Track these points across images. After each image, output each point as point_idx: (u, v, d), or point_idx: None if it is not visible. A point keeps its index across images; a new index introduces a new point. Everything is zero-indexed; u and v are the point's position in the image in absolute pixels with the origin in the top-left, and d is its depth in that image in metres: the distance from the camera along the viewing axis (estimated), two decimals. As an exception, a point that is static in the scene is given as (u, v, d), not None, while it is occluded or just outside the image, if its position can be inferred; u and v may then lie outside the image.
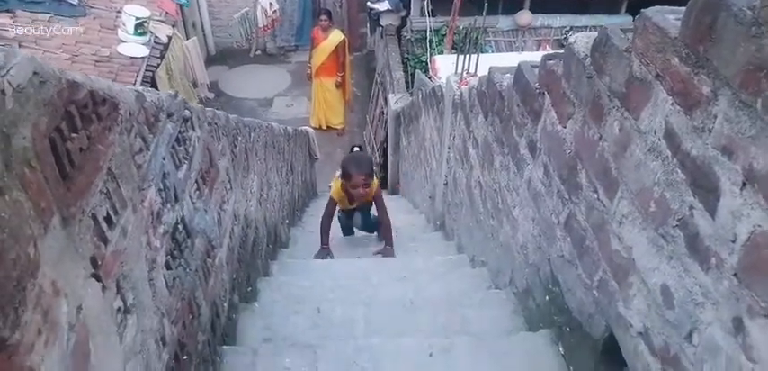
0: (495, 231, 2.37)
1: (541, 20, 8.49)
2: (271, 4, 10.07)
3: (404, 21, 8.59)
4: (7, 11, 5.94)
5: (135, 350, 1.00)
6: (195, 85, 8.47)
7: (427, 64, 7.33)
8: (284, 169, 4.19)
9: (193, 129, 1.50)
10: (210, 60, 10.36)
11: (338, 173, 3.52)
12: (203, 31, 10.38)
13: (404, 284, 2.56)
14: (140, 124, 1.07)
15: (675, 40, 0.99)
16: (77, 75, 0.81)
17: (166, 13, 7.04)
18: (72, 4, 6.36)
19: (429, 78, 6.22)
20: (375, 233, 3.87)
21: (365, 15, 10.01)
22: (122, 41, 6.23)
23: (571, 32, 6.27)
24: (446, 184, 3.63)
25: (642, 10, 1.11)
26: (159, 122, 1.20)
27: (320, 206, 3.93)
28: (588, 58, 1.38)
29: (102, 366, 0.85)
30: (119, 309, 0.94)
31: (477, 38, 4.83)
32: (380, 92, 8.11)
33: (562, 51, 1.58)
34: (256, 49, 10.88)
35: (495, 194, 2.37)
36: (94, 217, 0.85)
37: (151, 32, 6.45)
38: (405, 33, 8.44)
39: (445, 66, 5.78)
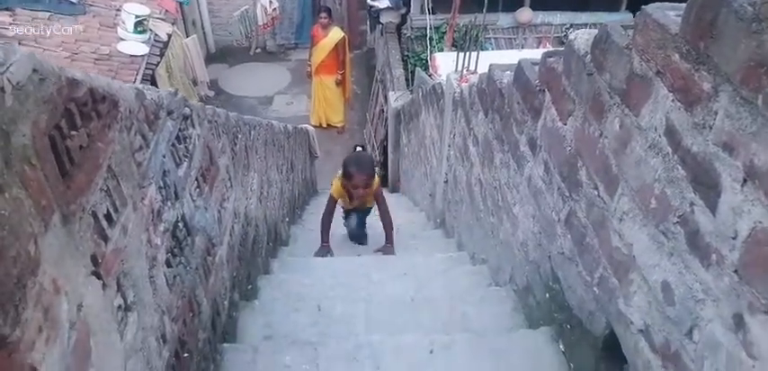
0: (496, 229, 2.37)
1: (542, 17, 8.47)
2: (270, 1, 10.06)
3: (404, 18, 8.57)
4: (7, 9, 5.94)
5: (135, 348, 1.00)
6: (195, 83, 8.47)
7: (427, 61, 7.31)
8: (284, 167, 4.19)
9: (193, 127, 1.50)
10: (210, 58, 10.35)
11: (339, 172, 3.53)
12: (203, 28, 10.37)
13: (404, 281, 2.56)
14: (140, 122, 1.07)
15: (676, 36, 0.99)
16: (77, 72, 0.81)
17: (166, 10, 7.03)
18: (72, 3, 6.35)
19: (429, 76, 6.21)
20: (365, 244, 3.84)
21: (365, 13, 10.00)
22: (122, 39, 6.23)
23: (571, 30, 6.27)
24: (446, 181, 3.63)
25: (642, 7, 1.11)
26: (159, 120, 1.20)
27: (320, 204, 3.93)
28: (588, 55, 1.38)
29: (102, 364, 0.85)
30: (119, 306, 0.94)
31: (477, 35, 4.81)
32: (380, 90, 8.11)
33: (562, 49, 1.57)
34: (256, 47, 10.87)
35: (495, 191, 2.37)
36: (95, 215, 0.85)
37: (151, 30, 6.44)
38: (405, 31, 8.42)
39: (445, 63, 5.77)
